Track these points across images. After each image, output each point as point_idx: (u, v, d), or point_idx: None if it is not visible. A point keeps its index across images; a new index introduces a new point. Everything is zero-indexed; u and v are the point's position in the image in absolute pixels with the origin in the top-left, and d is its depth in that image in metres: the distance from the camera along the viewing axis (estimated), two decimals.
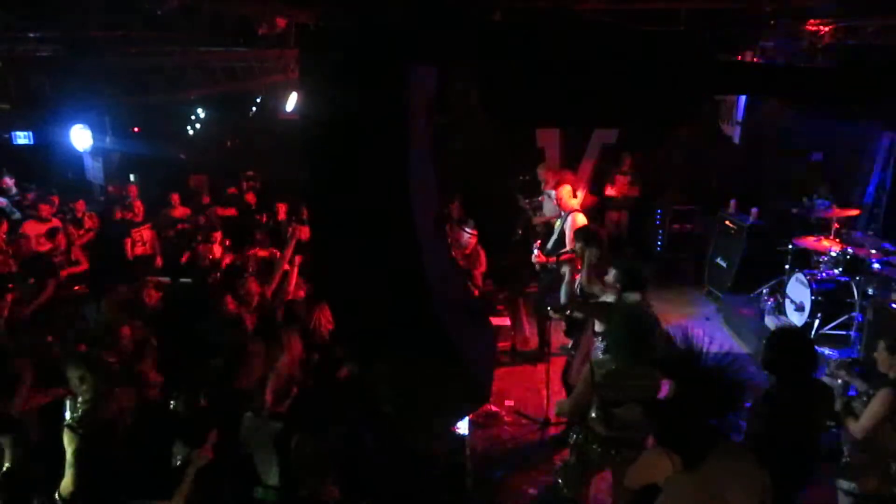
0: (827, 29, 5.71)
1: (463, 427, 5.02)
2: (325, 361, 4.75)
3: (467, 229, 7.04)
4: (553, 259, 6.43)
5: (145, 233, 8.10)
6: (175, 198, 9.01)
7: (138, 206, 8.43)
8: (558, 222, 6.82)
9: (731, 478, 2.67)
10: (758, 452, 3.12)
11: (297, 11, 5.21)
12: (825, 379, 3.97)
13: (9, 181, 9.13)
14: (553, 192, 7.25)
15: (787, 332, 3.85)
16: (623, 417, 3.70)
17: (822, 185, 8.12)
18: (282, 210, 8.83)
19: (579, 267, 5.70)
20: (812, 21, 5.73)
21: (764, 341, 3.64)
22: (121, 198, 8.98)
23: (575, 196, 6.91)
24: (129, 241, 7.93)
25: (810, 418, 3.38)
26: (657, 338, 3.84)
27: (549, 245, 6.73)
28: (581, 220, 6.45)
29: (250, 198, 9.49)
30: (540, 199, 8.72)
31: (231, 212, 9.01)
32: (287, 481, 3.50)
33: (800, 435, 3.33)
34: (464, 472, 4.86)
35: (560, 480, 4.15)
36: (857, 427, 3.54)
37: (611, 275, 4.69)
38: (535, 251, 6.64)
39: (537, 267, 6.78)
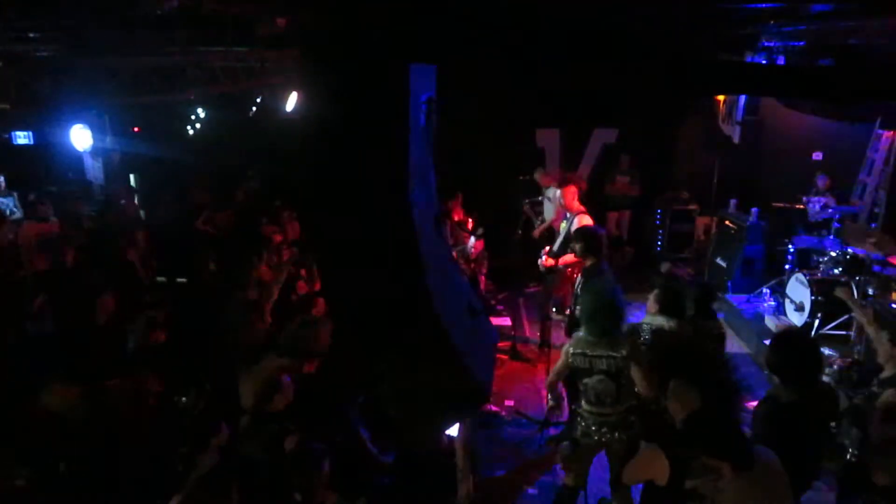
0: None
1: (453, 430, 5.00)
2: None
3: (472, 238, 7.04)
4: (553, 262, 6.43)
5: (140, 235, 8.08)
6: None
7: (132, 207, 8.42)
8: (564, 224, 6.80)
9: (775, 480, 2.79)
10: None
11: (297, 11, 5.21)
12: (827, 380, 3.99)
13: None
14: (553, 192, 7.20)
15: (793, 334, 3.87)
16: (595, 388, 3.98)
17: (819, 177, 8.15)
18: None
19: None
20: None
21: (768, 343, 3.65)
22: (117, 199, 8.97)
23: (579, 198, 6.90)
24: (123, 244, 7.90)
25: (814, 420, 3.38)
26: (623, 313, 4.12)
27: (555, 247, 6.73)
28: (587, 222, 6.45)
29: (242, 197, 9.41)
30: (540, 198, 8.73)
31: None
32: (283, 485, 3.49)
33: (803, 436, 3.32)
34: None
35: (561, 466, 4.26)
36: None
37: (651, 296, 4.70)
38: (543, 256, 6.63)
39: (543, 270, 6.75)
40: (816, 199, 8.07)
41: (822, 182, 8.26)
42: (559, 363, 4.26)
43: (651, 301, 4.68)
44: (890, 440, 3.25)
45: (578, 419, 4.17)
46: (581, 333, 4.12)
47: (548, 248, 6.77)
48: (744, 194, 9.04)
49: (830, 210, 7.65)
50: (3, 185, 8.94)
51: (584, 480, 4.21)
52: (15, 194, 8.91)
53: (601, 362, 3.96)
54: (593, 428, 4.05)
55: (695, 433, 2.93)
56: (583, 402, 4.13)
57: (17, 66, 7.36)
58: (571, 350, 4.07)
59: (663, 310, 4.55)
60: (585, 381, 4.03)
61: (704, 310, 4.72)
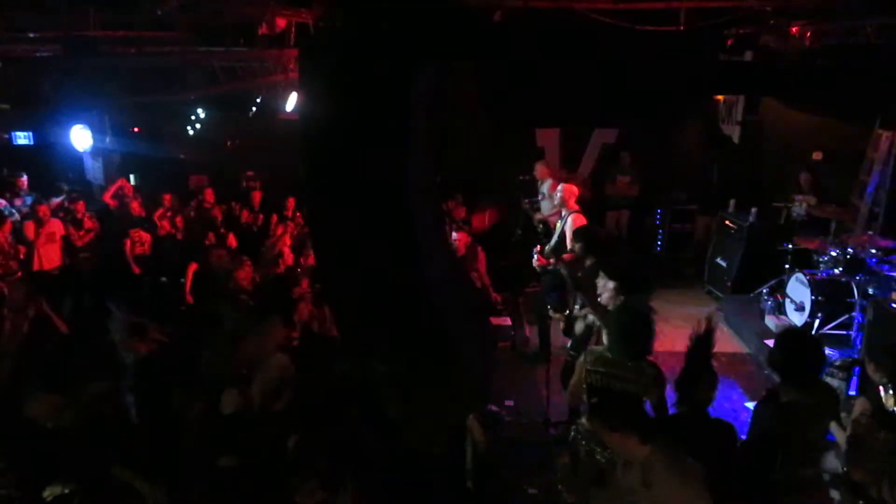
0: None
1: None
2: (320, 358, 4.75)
3: (454, 233, 7.03)
4: (553, 260, 6.41)
5: (144, 234, 8.10)
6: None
7: (136, 206, 8.43)
8: (559, 223, 6.80)
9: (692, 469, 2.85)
10: (761, 452, 3.15)
11: (297, 11, 5.21)
12: (828, 379, 3.98)
13: (23, 182, 9.21)
14: (548, 188, 7.19)
15: (796, 332, 3.84)
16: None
17: (805, 177, 8.19)
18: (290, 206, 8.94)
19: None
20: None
21: (771, 342, 3.65)
22: (119, 199, 8.99)
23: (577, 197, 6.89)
24: (128, 242, 7.92)
25: (814, 419, 3.39)
26: (652, 337, 3.87)
27: (550, 246, 6.72)
28: (581, 221, 6.45)
29: (256, 196, 9.50)
30: (540, 198, 8.73)
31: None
32: (284, 484, 3.49)
33: (804, 435, 3.33)
34: (464, 472, 4.85)
35: (560, 485, 4.16)
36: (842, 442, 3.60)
37: (609, 285, 4.44)
38: (535, 255, 6.60)
39: (538, 269, 6.74)
40: (800, 197, 8.11)
41: (804, 180, 8.30)
42: (575, 379, 4.02)
43: (610, 291, 4.40)
44: (861, 440, 3.34)
45: (579, 437, 4.03)
46: (601, 349, 3.91)
47: (539, 246, 6.76)
48: (744, 194, 9.03)
49: (812, 209, 7.70)
50: (26, 185, 9.00)
51: (587, 498, 4.12)
52: (33, 195, 8.94)
53: (618, 384, 3.69)
54: (598, 449, 3.91)
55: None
56: (585, 419, 3.86)
57: (17, 66, 7.35)
58: (588, 367, 3.83)
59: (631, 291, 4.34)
60: (595, 399, 3.76)
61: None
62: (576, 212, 6.59)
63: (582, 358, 3.98)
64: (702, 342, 3.43)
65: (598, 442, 3.84)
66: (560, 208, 6.88)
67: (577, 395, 4.04)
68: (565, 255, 6.34)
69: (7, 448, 3.47)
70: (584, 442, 3.91)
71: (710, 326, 3.46)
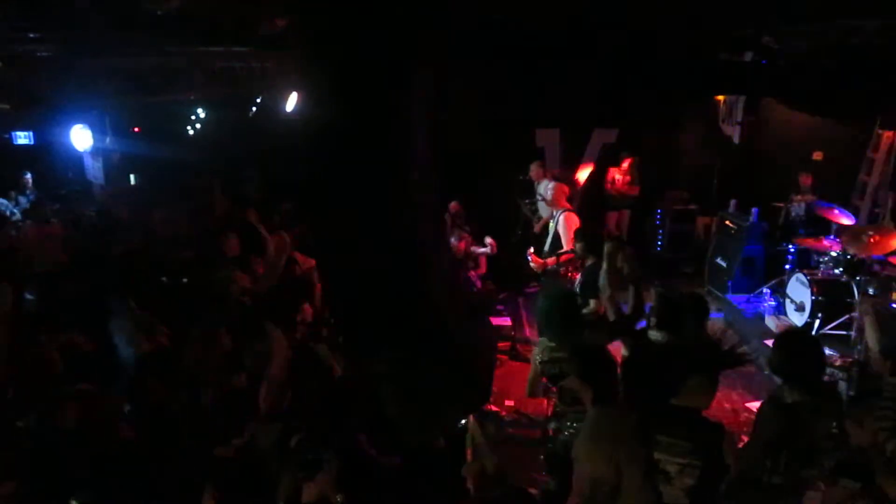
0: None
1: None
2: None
3: (453, 238, 7.02)
4: (553, 260, 6.41)
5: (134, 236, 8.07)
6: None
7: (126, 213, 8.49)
8: (551, 223, 6.79)
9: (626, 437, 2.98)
10: (764, 452, 3.15)
11: (297, 11, 5.20)
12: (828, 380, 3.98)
13: (27, 180, 9.24)
14: (545, 187, 7.21)
15: (796, 334, 3.83)
16: (570, 389, 3.86)
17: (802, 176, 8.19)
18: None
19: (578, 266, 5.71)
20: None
21: (770, 342, 3.65)
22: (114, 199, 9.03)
23: (568, 197, 6.87)
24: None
25: (818, 420, 3.38)
26: (581, 313, 4.11)
27: (546, 247, 6.71)
28: (573, 219, 6.43)
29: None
30: (538, 199, 8.73)
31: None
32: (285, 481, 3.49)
33: (808, 437, 3.33)
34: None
35: (545, 471, 4.22)
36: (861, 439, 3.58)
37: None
38: (530, 258, 6.57)
39: (538, 271, 6.70)
40: (799, 197, 8.10)
41: (804, 181, 8.29)
42: (531, 373, 4.17)
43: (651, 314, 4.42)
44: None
45: (555, 421, 4.09)
46: (544, 339, 4.05)
47: (532, 248, 6.72)
48: (744, 194, 9.04)
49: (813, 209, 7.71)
50: (31, 182, 9.02)
51: (569, 483, 4.15)
52: (35, 192, 8.93)
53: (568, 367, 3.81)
54: (577, 425, 3.90)
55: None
56: (557, 403, 4.07)
57: (17, 66, 7.35)
58: (539, 359, 4.00)
59: (660, 324, 4.29)
60: (561, 384, 3.91)
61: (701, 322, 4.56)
62: (567, 210, 6.57)
63: (534, 352, 4.12)
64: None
65: (578, 420, 3.88)
66: (551, 208, 6.86)
67: (537, 388, 4.20)
68: (562, 256, 6.34)
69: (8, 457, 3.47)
70: (554, 423, 4.01)
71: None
